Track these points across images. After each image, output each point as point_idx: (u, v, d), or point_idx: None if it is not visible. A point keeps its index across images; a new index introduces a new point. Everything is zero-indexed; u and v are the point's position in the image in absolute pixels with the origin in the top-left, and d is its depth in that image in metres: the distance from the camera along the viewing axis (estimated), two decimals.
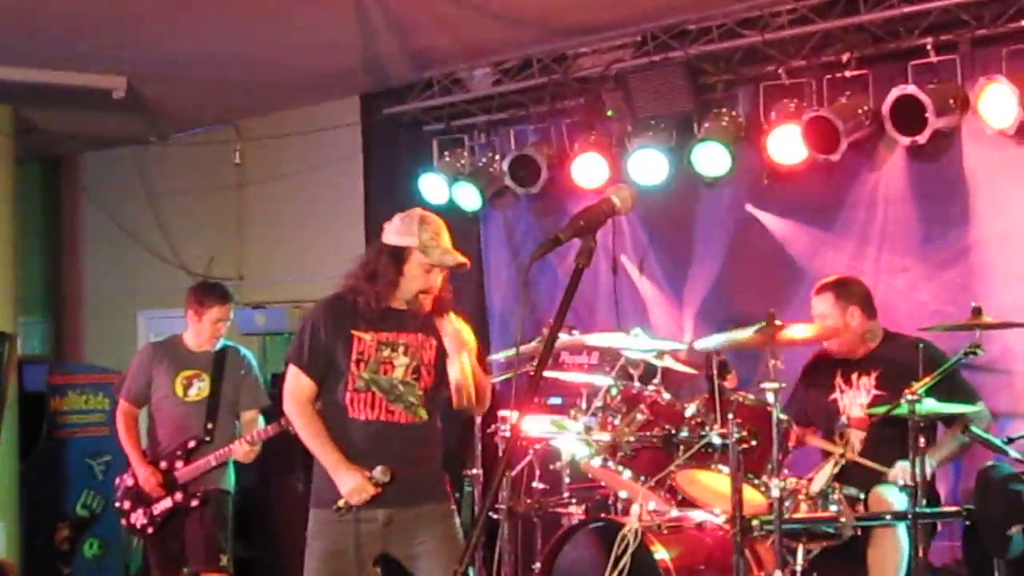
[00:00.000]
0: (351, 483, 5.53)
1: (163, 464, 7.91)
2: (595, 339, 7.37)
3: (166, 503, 7.88)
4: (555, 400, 8.25)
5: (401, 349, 5.66)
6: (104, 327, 13.20)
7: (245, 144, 11.70)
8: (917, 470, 5.85)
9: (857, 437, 6.78)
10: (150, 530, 7.94)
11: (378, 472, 5.52)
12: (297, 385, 5.75)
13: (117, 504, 8.09)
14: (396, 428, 5.64)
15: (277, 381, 10.10)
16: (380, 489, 5.53)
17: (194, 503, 7.86)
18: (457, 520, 5.86)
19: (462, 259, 5.69)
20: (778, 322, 5.99)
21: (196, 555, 7.87)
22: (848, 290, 7.07)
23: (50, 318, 13.85)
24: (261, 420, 8.13)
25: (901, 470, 6.35)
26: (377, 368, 5.62)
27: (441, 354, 5.69)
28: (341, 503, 5.53)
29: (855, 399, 6.95)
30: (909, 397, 5.84)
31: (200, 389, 8.01)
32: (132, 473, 7.99)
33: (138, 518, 7.94)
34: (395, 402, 5.63)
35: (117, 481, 8.15)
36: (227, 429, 8.06)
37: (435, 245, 5.62)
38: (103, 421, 10.85)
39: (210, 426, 7.96)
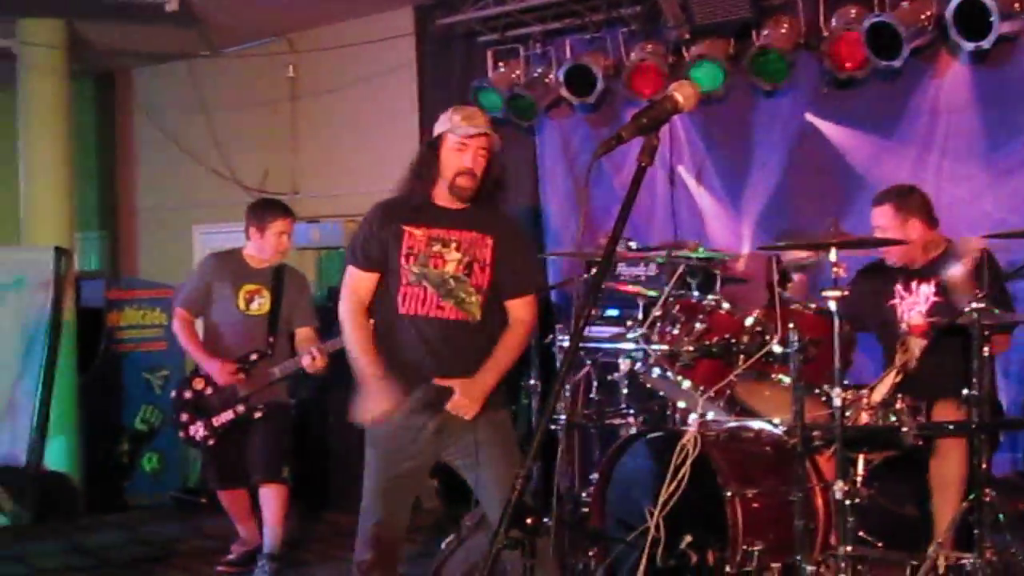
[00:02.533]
0: (375, 401, 5.51)
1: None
2: (654, 246, 7.30)
3: (228, 415, 7.90)
4: (612, 311, 8.21)
5: (453, 245, 5.59)
6: (159, 242, 13.26)
7: (298, 57, 11.68)
8: (979, 382, 5.77)
9: (917, 345, 6.68)
10: (211, 442, 7.96)
11: (418, 396, 5.52)
12: (353, 286, 5.72)
13: (175, 417, 8.10)
14: (446, 324, 5.57)
15: (333, 294, 10.15)
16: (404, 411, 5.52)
17: (257, 415, 7.88)
18: (512, 428, 5.83)
19: (483, 128, 5.59)
20: (842, 229, 5.90)
21: (257, 467, 7.90)
22: (907, 200, 6.93)
23: (106, 234, 13.92)
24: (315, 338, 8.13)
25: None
26: (427, 262, 5.55)
27: (499, 253, 5.62)
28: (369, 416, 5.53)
29: (914, 306, 6.84)
30: (974, 304, 5.75)
31: (261, 304, 7.99)
32: (190, 385, 8.01)
33: (197, 430, 7.95)
34: (446, 297, 5.56)
35: (174, 394, 8.16)
36: (285, 344, 8.06)
37: (464, 125, 5.57)
38: (160, 336, 10.90)
39: (271, 339, 7.96)
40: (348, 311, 5.70)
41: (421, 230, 5.60)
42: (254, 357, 7.90)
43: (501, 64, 9.98)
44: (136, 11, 10.21)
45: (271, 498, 7.90)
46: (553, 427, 7.17)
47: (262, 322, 7.98)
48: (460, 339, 5.59)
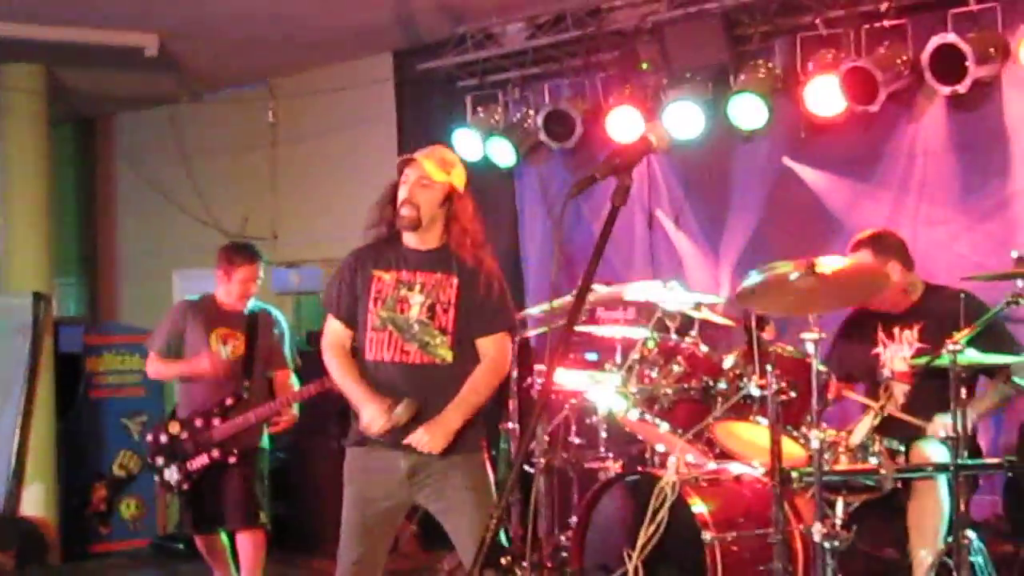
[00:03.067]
0: (369, 413, 5.53)
1: (199, 422, 7.85)
2: (632, 290, 7.29)
3: (202, 459, 7.84)
4: (591, 355, 8.21)
5: (417, 288, 5.62)
6: (139, 287, 13.23)
7: (278, 102, 11.69)
8: (959, 422, 5.77)
9: (900, 390, 6.68)
10: (185, 486, 7.89)
11: (400, 406, 5.49)
12: (330, 330, 5.80)
13: (150, 460, 8.05)
14: (411, 369, 5.59)
15: (312, 339, 10.14)
16: (397, 420, 5.50)
17: (231, 460, 7.82)
18: (490, 472, 5.81)
19: (417, 156, 5.76)
20: (819, 269, 5.89)
21: (233, 514, 7.86)
22: (885, 244, 6.95)
23: (85, 279, 13.90)
24: (295, 381, 8.15)
25: (941, 424, 6.28)
26: (394, 306, 5.59)
27: (464, 293, 5.64)
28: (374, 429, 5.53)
29: (897, 352, 6.85)
30: (951, 347, 5.75)
31: (235, 347, 7.97)
32: (166, 430, 7.95)
33: (172, 474, 7.88)
34: (410, 341, 5.58)
35: (149, 438, 8.08)
36: (262, 388, 8.06)
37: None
38: (139, 381, 10.88)
39: (247, 383, 7.92)
40: (328, 349, 5.78)
41: (390, 274, 5.66)
42: (230, 402, 7.86)
43: (480, 109, 9.99)
44: (116, 57, 10.22)
45: (248, 544, 7.86)
46: (531, 470, 7.17)
47: (236, 366, 7.95)
48: (427, 383, 5.59)
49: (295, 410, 8.02)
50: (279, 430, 8.09)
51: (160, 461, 7.94)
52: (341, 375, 5.73)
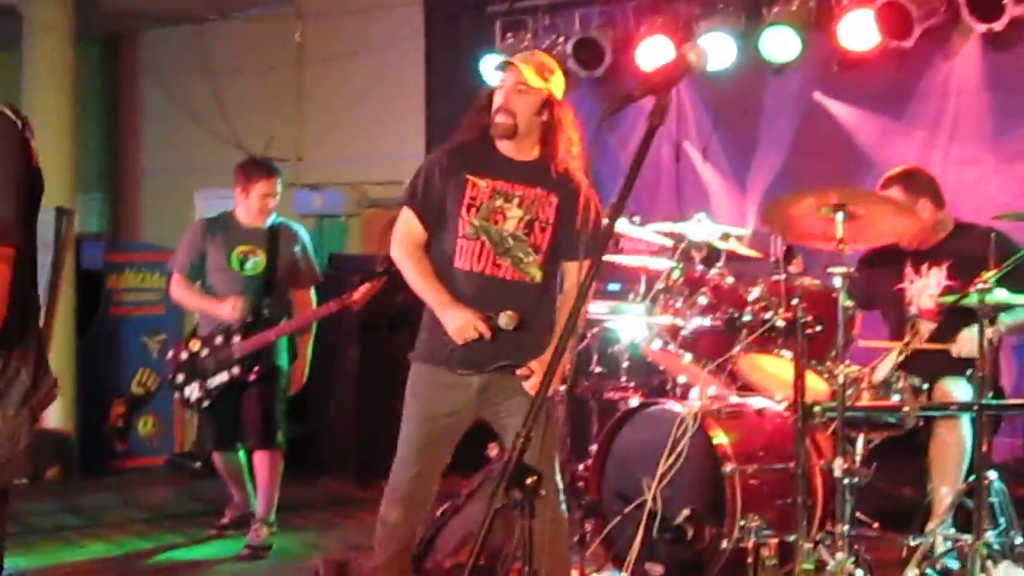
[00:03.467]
0: (458, 321, 5.31)
1: (219, 339, 7.83)
2: (659, 229, 7.22)
3: (222, 376, 7.82)
4: (614, 286, 8.17)
5: (516, 200, 5.42)
6: (162, 206, 13.21)
7: (306, 22, 11.61)
8: (984, 362, 5.74)
9: (926, 327, 6.65)
10: (205, 403, 7.90)
11: (503, 318, 5.28)
12: (407, 229, 5.55)
13: (170, 378, 8.05)
14: (501, 284, 5.41)
15: (334, 261, 10.12)
16: (490, 333, 5.31)
17: (252, 377, 7.80)
18: (554, 411, 5.54)
19: (515, 60, 5.53)
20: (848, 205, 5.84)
21: (251, 433, 7.88)
22: (916, 181, 6.89)
23: (108, 196, 13.89)
24: (313, 296, 8.17)
25: (966, 340, 6.25)
26: (488, 216, 5.40)
27: (562, 214, 5.43)
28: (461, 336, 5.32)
29: (924, 289, 6.80)
30: (980, 286, 5.71)
31: (256, 264, 7.92)
32: (186, 347, 7.96)
33: (192, 391, 7.89)
34: (503, 255, 5.39)
35: (170, 355, 8.10)
36: (282, 304, 8.04)
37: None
38: (159, 299, 10.86)
39: (267, 300, 7.89)
40: (404, 248, 5.53)
41: (486, 181, 5.45)
42: (249, 319, 7.81)
43: (509, 35, 9.90)
44: None
45: (265, 463, 7.87)
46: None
47: (257, 282, 7.91)
48: (516, 300, 5.37)
49: (312, 329, 8.06)
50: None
51: (180, 378, 7.95)
52: (419, 276, 5.46)
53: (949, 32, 7.97)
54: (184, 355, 7.96)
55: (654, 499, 6.15)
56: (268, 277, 7.94)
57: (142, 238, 12.96)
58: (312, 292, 8.19)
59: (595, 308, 7.10)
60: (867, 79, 8.34)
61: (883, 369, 6.09)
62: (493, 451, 7.32)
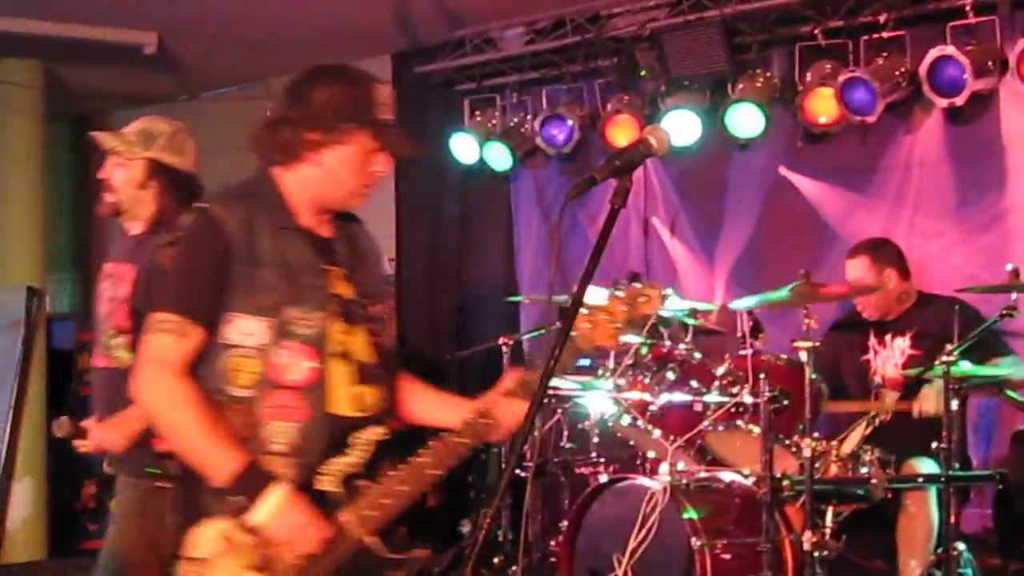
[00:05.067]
0: None
1: None
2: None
3: None
4: (583, 362, 8.19)
5: (107, 281, 5.14)
6: None
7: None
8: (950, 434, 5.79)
9: (891, 398, 6.71)
10: None
11: (55, 425, 5.13)
12: None
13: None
14: (99, 372, 5.18)
15: None
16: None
17: None
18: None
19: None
20: (813, 281, 5.92)
21: None
22: (884, 251, 7.01)
23: (79, 275, 13.84)
24: None
25: (927, 398, 6.32)
26: (97, 301, 5.19)
27: (138, 286, 4.95)
28: None
29: (889, 359, 6.88)
30: (944, 359, 5.77)
31: None
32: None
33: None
34: (102, 341, 5.10)
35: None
36: None
37: None
38: None
39: None
40: None
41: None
42: None
43: (477, 113, 9.99)
44: (114, 53, 10.20)
45: None
46: (522, 474, 7.16)
47: None
48: (109, 387, 5.00)
49: None
50: None
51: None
52: None
53: (911, 107, 8.07)
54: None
55: (625, 574, 6.15)
56: None
57: None
58: None
59: (565, 384, 7.13)
60: (832, 153, 8.43)
61: (851, 442, 6.14)
62: (465, 527, 7.34)
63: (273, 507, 3.34)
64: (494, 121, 9.87)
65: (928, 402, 6.33)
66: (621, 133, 8.99)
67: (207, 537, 3.38)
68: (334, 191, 3.71)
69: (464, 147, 9.83)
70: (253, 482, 3.35)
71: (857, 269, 6.96)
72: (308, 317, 3.51)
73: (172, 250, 3.75)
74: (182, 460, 3.50)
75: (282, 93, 3.81)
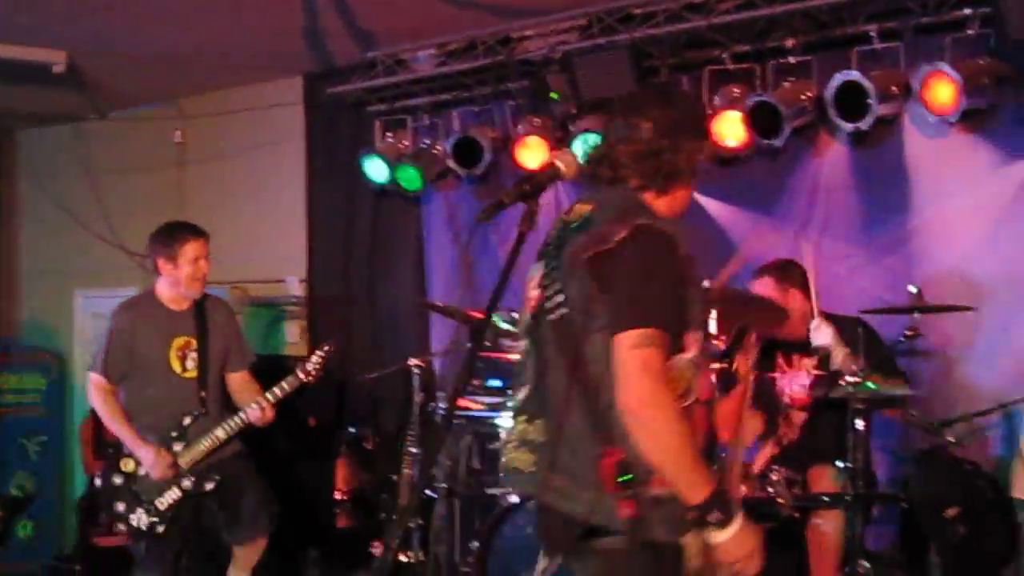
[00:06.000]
0: None
1: (153, 442, 6.98)
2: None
3: (173, 494, 6.99)
4: (495, 382, 8.22)
5: None
6: (41, 306, 13.04)
7: (187, 123, 11.62)
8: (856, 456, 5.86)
9: (798, 418, 6.78)
10: (159, 528, 6.97)
11: None
12: None
13: (108, 508, 7.05)
14: None
15: None
16: None
17: (209, 486, 7.04)
18: None
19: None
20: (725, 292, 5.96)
21: (257, 521, 7.14)
22: (788, 272, 7.09)
23: None
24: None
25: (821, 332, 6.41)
26: None
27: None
28: None
29: (795, 380, 6.96)
30: (848, 379, 5.85)
31: (193, 359, 7.10)
32: (118, 468, 7.02)
33: (140, 519, 6.95)
34: None
35: (99, 482, 7.13)
36: (219, 393, 7.27)
37: None
38: (38, 401, 10.78)
39: (203, 395, 7.09)
40: None
41: None
42: (187, 421, 7.04)
43: (389, 134, 10.01)
44: (23, 72, 10.11)
45: (258, 550, 7.19)
46: (432, 495, 7.17)
47: (195, 381, 7.11)
48: None
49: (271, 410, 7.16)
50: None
51: (120, 507, 6.97)
52: None
53: (818, 130, 8.17)
54: (117, 479, 7.02)
55: None
56: (201, 368, 7.12)
57: (21, 339, 12.79)
58: (250, 372, 7.44)
59: (475, 405, 7.15)
60: (740, 176, 8.50)
61: (758, 462, 6.21)
62: (377, 549, 7.32)
63: (736, 530, 3.55)
64: (405, 142, 9.89)
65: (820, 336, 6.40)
66: (531, 155, 9.03)
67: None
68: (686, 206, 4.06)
69: (375, 168, 9.85)
70: (724, 504, 3.52)
71: (762, 288, 7.03)
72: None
73: (630, 264, 3.72)
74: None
75: (636, 120, 3.99)
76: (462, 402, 7.14)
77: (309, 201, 10.64)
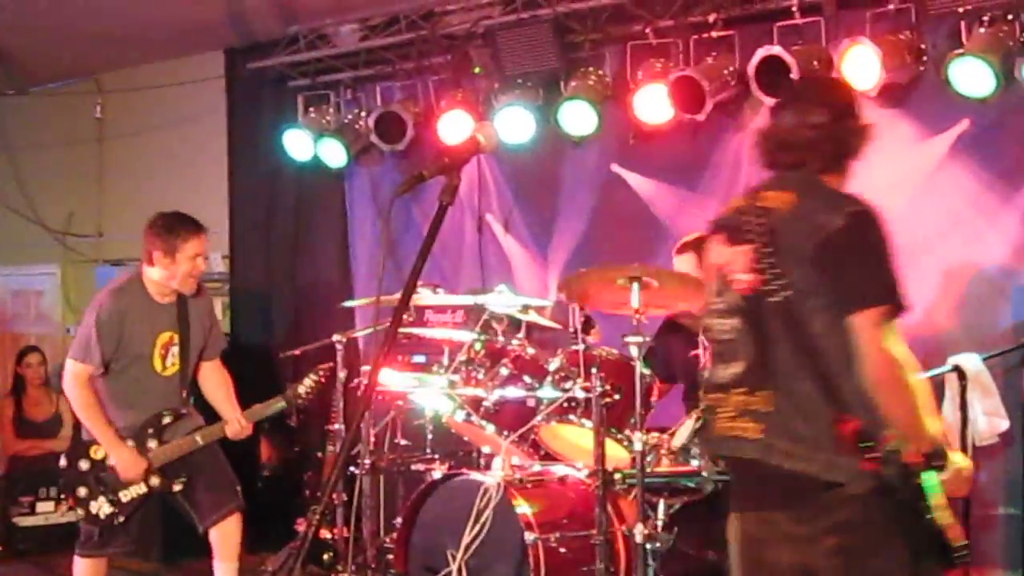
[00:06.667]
0: None
1: (128, 444, 6.69)
2: (459, 299, 7.29)
3: (139, 489, 6.70)
4: (419, 358, 8.20)
5: None
6: None
7: (106, 97, 11.52)
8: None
9: None
10: (119, 519, 6.70)
11: None
12: None
13: (69, 492, 6.79)
14: None
15: None
16: None
17: (177, 487, 6.77)
18: None
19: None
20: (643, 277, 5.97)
21: (213, 503, 6.82)
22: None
23: None
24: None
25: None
26: None
27: None
28: None
29: None
30: None
31: (174, 356, 6.84)
32: (86, 454, 6.74)
33: (100, 507, 6.67)
34: None
35: (64, 463, 6.79)
36: (192, 387, 7.09)
37: None
38: None
39: (184, 394, 6.90)
40: None
41: None
42: (167, 420, 6.79)
43: (311, 109, 9.95)
44: None
45: (236, 528, 6.89)
46: (356, 471, 7.15)
47: (175, 378, 6.88)
48: None
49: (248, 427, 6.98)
50: None
51: (83, 492, 6.71)
52: None
53: (740, 105, 8.20)
54: (84, 464, 6.73)
55: (459, 570, 6.18)
56: (183, 365, 6.89)
57: None
58: (222, 360, 7.22)
59: (399, 380, 7.13)
60: (663, 151, 8.52)
61: (681, 436, 6.22)
62: (301, 526, 7.30)
63: (953, 469, 4.09)
64: (328, 118, 9.84)
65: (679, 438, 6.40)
66: (455, 130, 9.00)
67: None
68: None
69: (298, 144, 9.80)
70: (942, 450, 4.05)
71: (684, 265, 7.04)
72: None
73: (860, 248, 4.08)
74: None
75: (811, 108, 4.35)
76: (385, 378, 7.12)
77: (231, 177, 10.58)
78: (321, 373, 7.11)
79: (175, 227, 6.73)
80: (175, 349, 6.81)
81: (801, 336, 4.07)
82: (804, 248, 4.06)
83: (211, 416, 7.05)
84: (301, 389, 7.04)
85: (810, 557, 4.10)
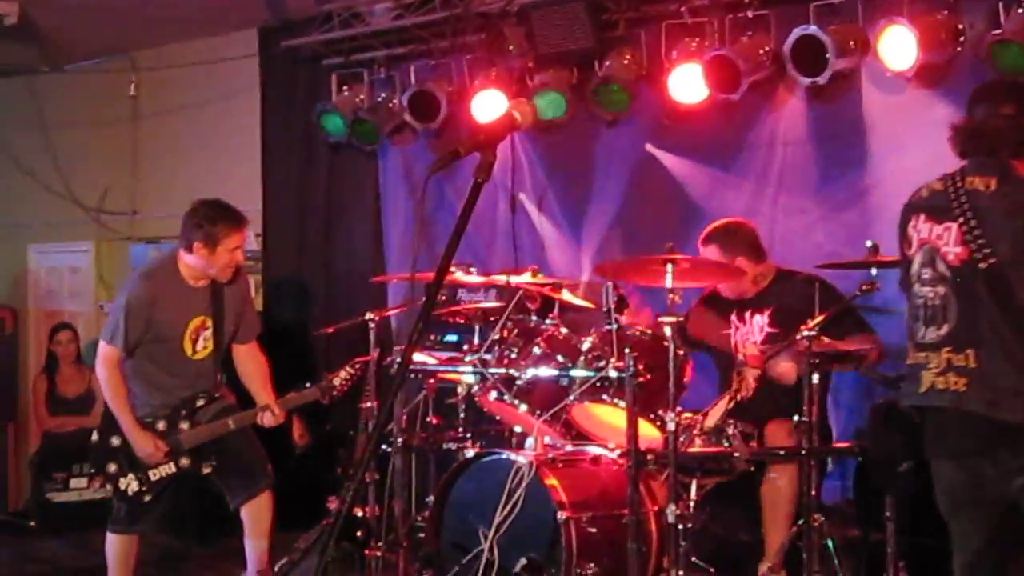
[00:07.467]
0: None
1: (161, 425, 6.78)
2: (492, 278, 7.29)
3: (168, 468, 6.78)
4: (451, 337, 8.21)
5: None
6: None
7: (141, 76, 11.52)
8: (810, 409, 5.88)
9: (752, 375, 6.78)
10: (146, 498, 6.77)
11: None
12: None
13: (100, 467, 6.82)
14: None
15: None
16: None
17: (207, 470, 6.82)
18: None
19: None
20: (678, 256, 5.96)
21: (242, 486, 6.87)
22: (733, 239, 7.08)
23: None
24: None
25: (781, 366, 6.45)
26: None
27: None
28: None
29: (748, 337, 6.98)
30: (804, 333, 5.86)
31: (206, 340, 6.86)
32: (117, 431, 6.74)
33: (129, 484, 6.73)
34: None
35: (96, 438, 6.82)
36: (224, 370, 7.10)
37: None
38: None
39: (219, 377, 6.94)
40: None
41: None
42: (201, 403, 6.86)
43: (345, 88, 9.93)
44: None
45: (267, 506, 6.88)
46: (388, 449, 7.16)
47: (208, 361, 6.90)
48: None
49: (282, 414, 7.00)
50: None
51: (112, 468, 6.75)
52: None
53: (775, 85, 8.16)
54: (116, 440, 6.75)
55: (491, 549, 6.19)
56: (216, 349, 6.90)
57: None
58: (258, 342, 7.22)
59: (431, 359, 7.14)
60: (697, 131, 8.48)
61: (714, 416, 6.22)
62: (333, 504, 7.31)
63: None
64: (362, 96, 9.83)
65: (780, 369, 6.44)
66: (488, 109, 8.98)
67: None
68: None
69: (332, 122, 9.79)
70: None
71: (709, 255, 7.03)
72: None
73: None
74: None
75: (1002, 103, 4.88)
76: (418, 357, 7.13)
77: (264, 155, 10.59)
78: (358, 366, 7.13)
79: (217, 220, 6.70)
80: (207, 333, 6.83)
81: (1008, 301, 4.59)
82: (1008, 224, 4.61)
83: (244, 398, 7.06)
84: (336, 381, 7.06)
85: (1009, 493, 4.60)
